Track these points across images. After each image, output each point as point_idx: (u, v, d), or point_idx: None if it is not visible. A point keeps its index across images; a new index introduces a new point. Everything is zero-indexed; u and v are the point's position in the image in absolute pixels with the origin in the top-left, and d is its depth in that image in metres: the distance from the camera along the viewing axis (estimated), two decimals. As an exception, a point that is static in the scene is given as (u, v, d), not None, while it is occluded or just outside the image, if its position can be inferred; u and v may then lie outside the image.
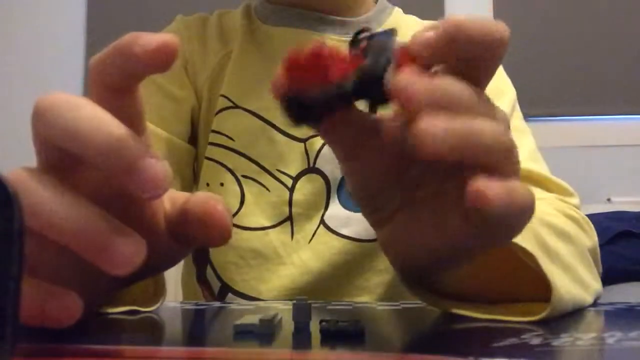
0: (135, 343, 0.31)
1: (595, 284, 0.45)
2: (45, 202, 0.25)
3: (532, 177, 0.60)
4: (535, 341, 0.28)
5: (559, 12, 1.90)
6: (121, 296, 0.39)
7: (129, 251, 0.25)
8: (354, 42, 0.29)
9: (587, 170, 1.79)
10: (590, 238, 0.51)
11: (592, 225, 0.53)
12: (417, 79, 0.26)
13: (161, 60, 0.27)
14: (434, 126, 0.25)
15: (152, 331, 0.37)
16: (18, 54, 2.00)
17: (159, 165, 0.25)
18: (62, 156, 0.27)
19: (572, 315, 0.38)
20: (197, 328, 0.41)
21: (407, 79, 0.26)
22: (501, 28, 0.28)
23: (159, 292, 0.41)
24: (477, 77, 0.30)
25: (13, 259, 0.17)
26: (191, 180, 0.69)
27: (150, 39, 0.27)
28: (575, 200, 0.57)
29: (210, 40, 0.69)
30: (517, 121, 0.66)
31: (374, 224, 0.36)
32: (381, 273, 0.62)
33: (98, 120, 0.26)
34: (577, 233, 0.48)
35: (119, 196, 0.28)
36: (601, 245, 1.34)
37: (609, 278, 1.21)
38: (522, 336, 0.29)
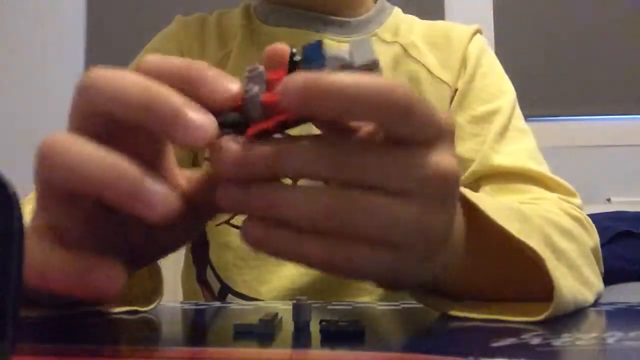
0: (136, 343, 0.31)
1: (598, 283, 0.45)
2: (85, 157, 0.26)
3: (534, 177, 0.60)
4: (535, 341, 0.28)
5: (559, 12, 1.90)
6: (121, 296, 0.39)
7: (163, 194, 0.26)
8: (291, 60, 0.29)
9: (587, 170, 1.79)
10: (592, 238, 0.51)
11: (593, 226, 0.53)
12: (229, 147, 0.27)
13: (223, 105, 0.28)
14: (220, 195, 0.28)
15: (152, 331, 0.37)
16: (18, 53, 2.00)
17: (203, 113, 0.26)
18: (105, 123, 0.28)
19: (573, 315, 0.38)
20: (197, 328, 0.41)
21: (223, 147, 0.27)
22: (388, 91, 0.26)
23: (157, 291, 0.41)
24: (392, 131, 0.27)
25: (13, 258, 0.17)
26: None
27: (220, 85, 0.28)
28: (577, 201, 0.58)
29: (209, 41, 0.69)
30: (518, 121, 0.66)
31: None
32: None
33: (143, 83, 0.27)
34: (580, 232, 0.48)
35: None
36: (601, 245, 1.33)
37: (609, 278, 1.21)
38: (522, 336, 0.29)
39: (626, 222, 1.29)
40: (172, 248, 0.35)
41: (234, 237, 0.63)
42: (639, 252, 1.22)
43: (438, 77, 0.67)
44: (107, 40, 1.95)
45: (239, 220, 0.63)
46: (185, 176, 0.33)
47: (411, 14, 0.75)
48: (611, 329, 0.32)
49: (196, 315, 0.44)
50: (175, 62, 0.28)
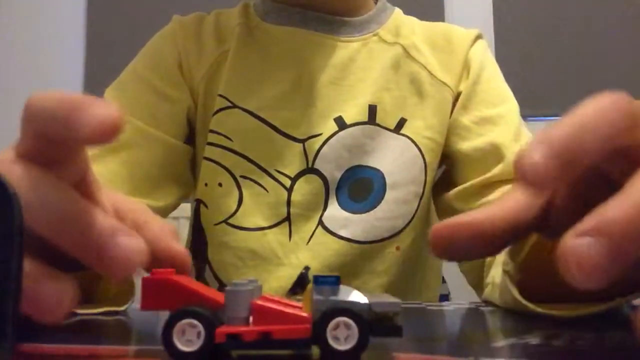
0: (136, 343, 0.31)
1: None
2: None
3: None
4: (535, 341, 0.28)
5: (559, 12, 1.90)
6: (99, 297, 0.39)
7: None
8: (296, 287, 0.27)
9: (587, 170, 1.79)
10: None
11: None
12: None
13: (102, 137, 0.24)
14: None
15: (153, 330, 0.37)
16: (18, 54, 2.00)
17: (131, 244, 0.25)
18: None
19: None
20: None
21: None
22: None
23: (130, 290, 0.40)
24: None
25: (13, 258, 0.17)
26: (189, 179, 0.68)
27: (94, 116, 0.24)
28: None
29: (206, 40, 0.68)
30: (524, 128, 0.66)
31: None
32: (379, 275, 0.62)
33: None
34: None
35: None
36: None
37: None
38: (522, 336, 0.29)
39: (626, 222, 1.29)
40: None
41: (232, 236, 0.63)
42: (639, 252, 1.23)
43: (439, 79, 0.67)
44: (107, 41, 1.95)
45: (237, 220, 0.63)
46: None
47: (410, 12, 0.75)
48: (611, 329, 0.32)
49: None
50: (49, 104, 0.26)
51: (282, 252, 0.62)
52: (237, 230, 0.63)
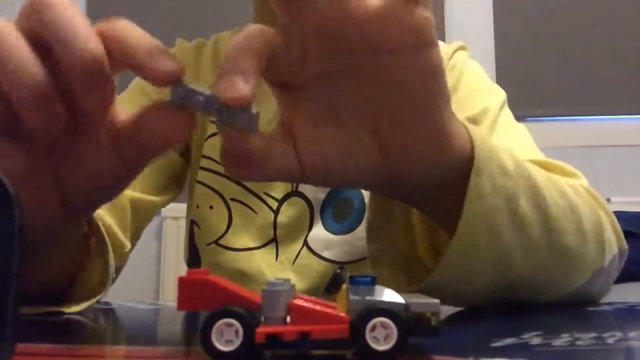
0: (136, 343, 0.31)
1: (585, 251, 0.43)
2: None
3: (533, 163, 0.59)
4: (535, 341, 0.28)
5: (559, 12, 1.90)
6: (78, 292, 0.40)
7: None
8: (331, 286, 0.27)
9: (587, 170, 1.78)
10: (603, 209, 0.50)
11: (605, 201, 0.51)
12: None
13: None
14: None
15: (152, 331, 0.37)
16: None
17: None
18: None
19: (572, 314, 0.37)
20: (197, 327, 0.41)
21: None
22: None
23: (107, 280, 0.42)
24: None
25: (13, 258, 0.17)
26: (183, 184, 0.71)
27: None
28: (583, 181, 0.55)
29: (204, 65, 0.71)
30: (507, 118, 0.65)
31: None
32: None
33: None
34: (579, 196, 0.46)
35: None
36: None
37: (609, 278, 1.21)
38: (522, 336, 0.29)
39: (626, 222, 1.29)
40: (105, 198, 0.33)
41: (222, 257, 0.65)
42: (639, 252, 1.22)
43: None
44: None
45: (227, 241, 0.65)
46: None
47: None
48: (611, 329, 0.32)
49: (196, 315, 0.44)
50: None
51: (269, 272, 0.63)
52: (226, 251, 0.65)
